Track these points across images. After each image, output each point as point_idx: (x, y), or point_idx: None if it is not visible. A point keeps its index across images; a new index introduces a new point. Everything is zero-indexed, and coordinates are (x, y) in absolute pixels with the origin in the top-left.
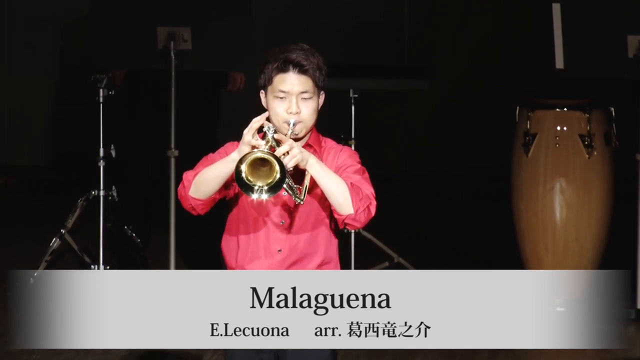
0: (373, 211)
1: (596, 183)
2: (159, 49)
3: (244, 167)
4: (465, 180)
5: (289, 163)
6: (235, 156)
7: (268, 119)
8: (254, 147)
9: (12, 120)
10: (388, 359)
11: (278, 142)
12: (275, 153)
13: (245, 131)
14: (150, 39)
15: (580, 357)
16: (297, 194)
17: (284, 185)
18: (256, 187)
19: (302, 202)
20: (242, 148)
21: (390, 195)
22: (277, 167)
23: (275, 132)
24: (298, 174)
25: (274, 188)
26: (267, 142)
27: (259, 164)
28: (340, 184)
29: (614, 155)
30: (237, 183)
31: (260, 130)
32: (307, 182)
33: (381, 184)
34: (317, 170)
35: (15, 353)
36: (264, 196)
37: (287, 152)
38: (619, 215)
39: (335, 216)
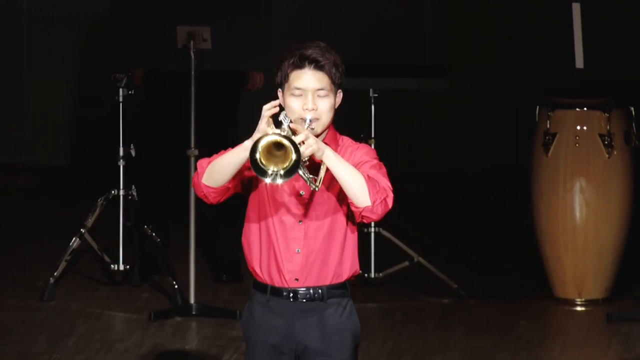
0: (390, 204)
1: (616, 182)
2: (179, 49)
3: (258, 150)
4: (484, 179)
5: (305, 152)
6: (248, 144)
7: (281, 107)
8: (267, 134)
9: (32, 119)
10: (408, 359)
11: (294, 132)
12: None
13: (260, 120)
14: (170, 38)
15: (601, 356)
16: (311, 181)
17: (299, 171)
18: (270, 171)
19: (317, 189)
20: (257, 136)
21: (410, 194)
22: (292, 150)
23: (291, 121)
24: (314, 166)
25: (290, 172)
26: (283, 130)
27: (274, 149)
28: (357, 176)
29: (634, 155)
30: (251, 166)
31: (276, 121)
32: (322, 172)
33: (400, 183)
34: (333, 161)
35: (35, 353)
36: (279, 180)
37: (303, 142)
38: (638, 214)
39: (352, 209)
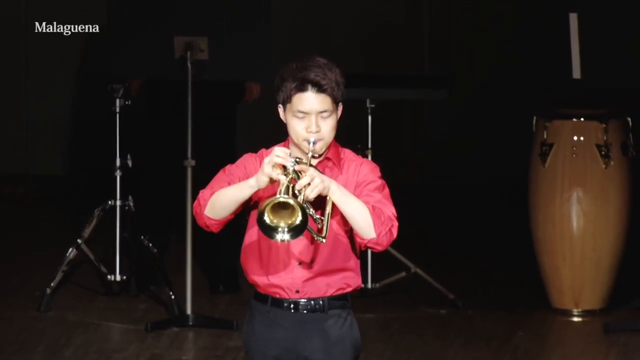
0: (395, 233)
1: (613, 193)
2: (176, 59)
3: (266, 214)
4: (482, 189)
5: (311, 194)
6: (252, 182)
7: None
8: (272, 179)
9: (30, 130)
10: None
11: (298, 174)
12: (297, 185)
13: (266, 160)
14: (167, 48)
15: None
16: (319, 231)
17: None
18: (279, 229)
19: (324, 241)
20: (261, 178)
21: (406, 205)
22: (299, 212)
23: (297, 163)
24: (319, 200)
25: (296, 230)
26: (288, 174)
27: (281, 206)
28: (362, 209)
29: (631, 165)
30: (259, 228)
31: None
32: (329, 209)
33: (397, 193)
34: (338, 196)
35: None
36: (286, 237)
37: (309, 183)
38: (636, 224)
39: (357, 240)
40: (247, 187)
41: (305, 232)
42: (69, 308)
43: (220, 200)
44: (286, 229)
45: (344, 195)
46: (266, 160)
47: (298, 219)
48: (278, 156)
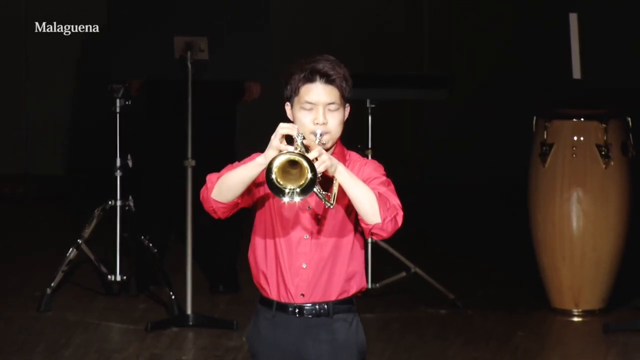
0: (400, 222)
1: (613, 193)
2: (176, 59)
3: (274, 170)
4: (482, 189)
5: (319, 168)
6: (261, 160)
7: (289, 121)
8: (281, 151)
9: (30, 130)
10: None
11: (307, 148)
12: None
13: (272, 136)
14: (167, 48)
15: None
16: (326, 199)
17: (315, 189)
18: (287, 190)
19: (332, 207)
20: (270, 152)
21: (406, 205)
22: (308, 168)
23: (304, 137)
24: (326, 181)
25: (306, 189)
26: (296, 147)
27: (289, 167)
28: (368, 193)
29: (631, 165)
30: (268, 186)
31: (288, 137)
32: (335, 188)
33: (397, 193)
34: (345, 177)
35: None
36: (296, 199)
37: (317, 158)
38: (636, 224)
39: (362, 225)
40: (256, 164)
41: (309, 236)
42: (69, 308)
43: (227, 181)
44: (296, 191)
45: (351, 177)
46: (273, 135)
47: (308, 176)
48: (283, 127)
